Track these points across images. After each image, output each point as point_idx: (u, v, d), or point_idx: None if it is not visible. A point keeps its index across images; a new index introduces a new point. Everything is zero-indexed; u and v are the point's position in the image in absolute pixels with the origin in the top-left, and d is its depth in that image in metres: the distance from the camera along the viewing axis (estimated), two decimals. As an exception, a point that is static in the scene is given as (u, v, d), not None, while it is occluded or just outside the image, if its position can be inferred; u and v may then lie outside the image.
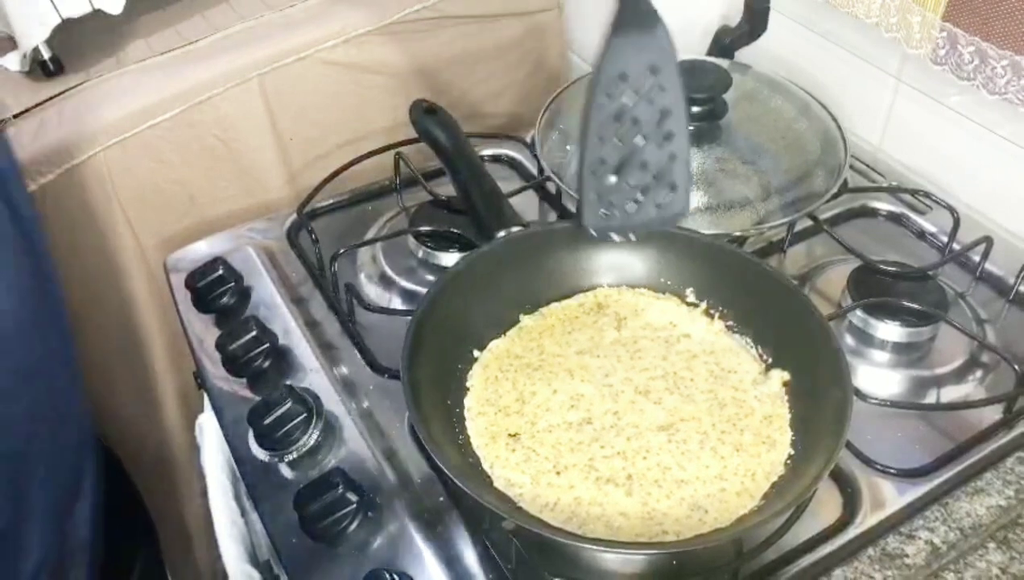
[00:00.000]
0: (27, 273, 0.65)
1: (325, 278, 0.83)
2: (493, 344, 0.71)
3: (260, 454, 0.70)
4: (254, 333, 0.76)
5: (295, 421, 0.69)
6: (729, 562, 0.59)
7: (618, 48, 0.59)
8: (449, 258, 0.83)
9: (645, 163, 0.61)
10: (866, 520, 0.63)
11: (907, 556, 0.61)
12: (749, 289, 0.71)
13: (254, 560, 0.72)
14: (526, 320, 0.73)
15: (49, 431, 0.66)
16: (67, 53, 1.00)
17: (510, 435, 0.64)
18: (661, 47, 0.59)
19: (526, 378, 0.68)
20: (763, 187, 0.82)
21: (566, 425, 0.64)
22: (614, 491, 0.60)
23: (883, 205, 0.90)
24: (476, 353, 0.71)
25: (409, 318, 0.65)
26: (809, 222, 0.85)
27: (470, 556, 0.62)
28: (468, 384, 0.69)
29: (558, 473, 0.62)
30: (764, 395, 0.66)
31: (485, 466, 0.63)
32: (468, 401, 0.68)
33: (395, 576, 0.59)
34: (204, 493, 0.75)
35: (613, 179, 0.62)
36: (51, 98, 0.96)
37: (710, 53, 1.02)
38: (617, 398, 0.66)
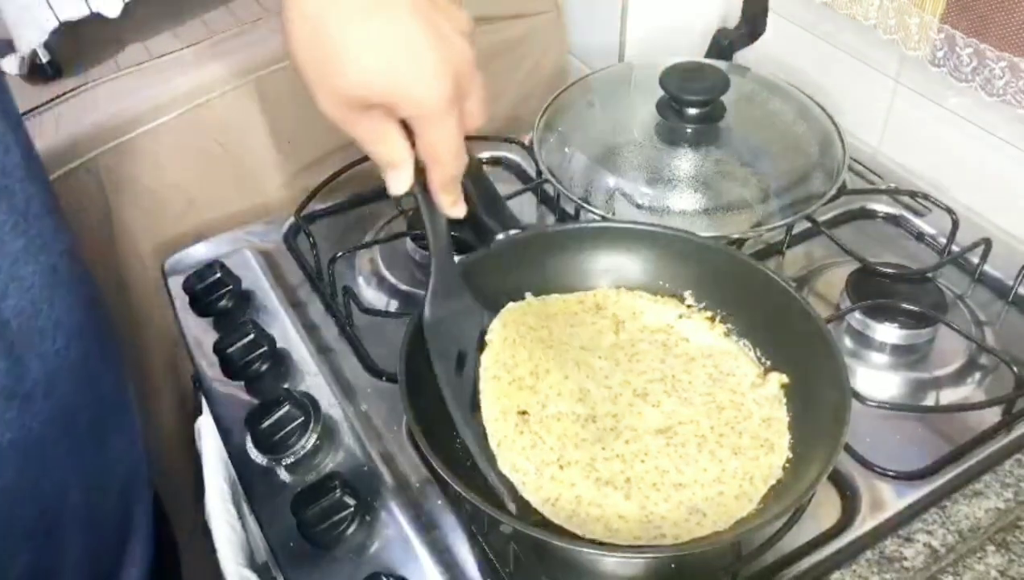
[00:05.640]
0: (82, 306, 0.60)
1: (323, 281, 0.83)
2: (510, 305, 0.71)
3: (258, 457, 0.70)
4: (252, 336, 0.76)
5: (293, 424, 0.69)
6: (727, 565, 0.59)
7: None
8: (447, 261, 0.83)
9: None
10: (864, 523, 0.63)
11: (906, 559, 0.61)
12: (747, 292, 0.70)
13: (251, 563, 0.72)
14: (532, 300, 0.73)
15: (88, 483, 0.62)
16: (65, 56, 1.00)
17: (519, 412, 0.64)
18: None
19: (541, 353, 0.68)
20: (762, 189, 0.82)
21: (574, 416, 0.64)
22: (613, 493, 0.60)
23: (882, 207, 0.90)
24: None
25: (407, 321, 0.65)
26: (808, 224, 0.85)
27: (468, 559, 0.62)
28: (488, 338, 0.68)
29: (561, 467, 0.61)
30: (762, 398, 0.66)
31: (492, 443, 0.62)
32: (486, 359, 0.66)
33: (392, 580, 0.59)
34: (201, 496, 0.75)
35: None
36: (49, 101, 0.95)
37: (708, 55, 1.03)
38: (616, 401, 0.66)
